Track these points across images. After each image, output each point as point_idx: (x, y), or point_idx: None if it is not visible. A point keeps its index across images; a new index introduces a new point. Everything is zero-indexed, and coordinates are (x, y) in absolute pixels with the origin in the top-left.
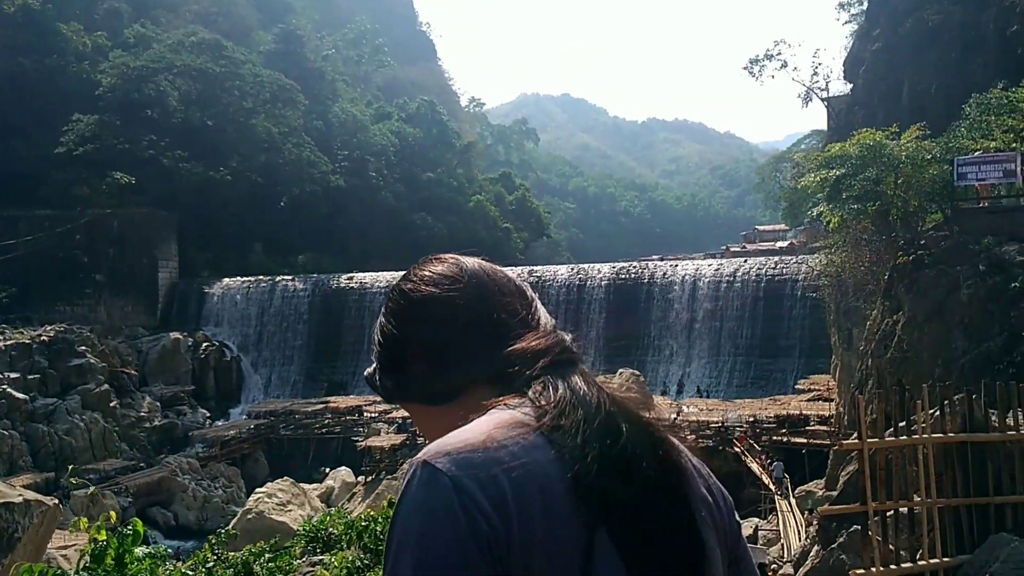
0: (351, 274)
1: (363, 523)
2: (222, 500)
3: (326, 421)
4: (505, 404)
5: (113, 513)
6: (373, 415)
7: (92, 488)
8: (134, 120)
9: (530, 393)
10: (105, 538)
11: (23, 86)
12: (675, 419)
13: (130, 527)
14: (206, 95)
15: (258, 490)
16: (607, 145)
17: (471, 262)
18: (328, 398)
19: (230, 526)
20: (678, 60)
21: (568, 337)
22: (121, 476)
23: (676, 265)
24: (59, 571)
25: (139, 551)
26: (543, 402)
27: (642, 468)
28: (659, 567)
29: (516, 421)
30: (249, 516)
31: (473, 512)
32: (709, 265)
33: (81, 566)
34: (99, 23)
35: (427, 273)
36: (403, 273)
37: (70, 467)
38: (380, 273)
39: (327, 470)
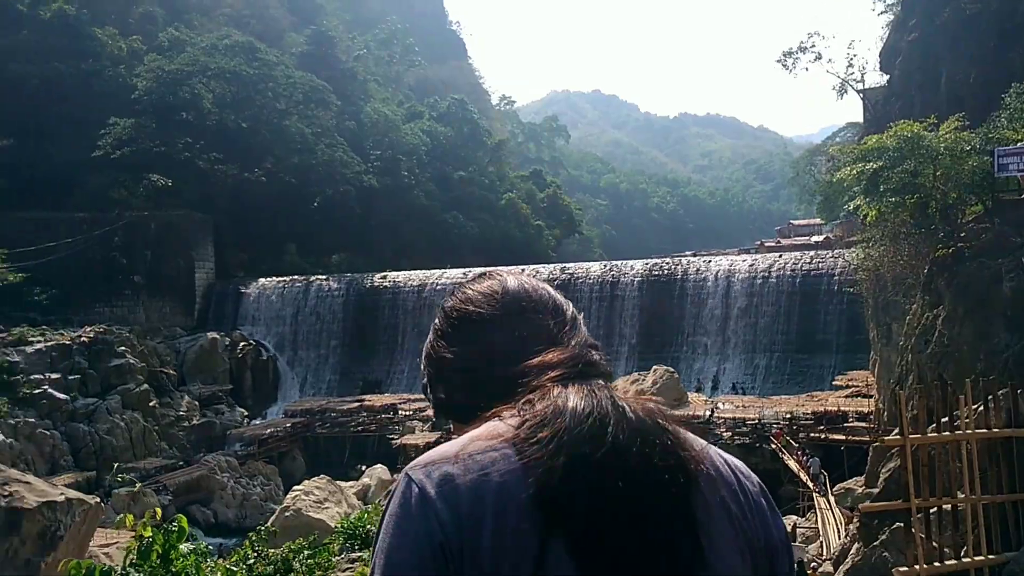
0: (384, 273)
1: None
2: (260, 498)
3: (361, 419)
4: (499, 416)
5: (158, 510)
6: (408, 413)
7: (138, 485)
8: (170, 123)
9: (520, 403)
10: (151, 534)
11: (60, 91)
12: (710, 416)
13: (175, 524)
14: (240, 97)
15: (296, 488)
16: (638, 141)
17: (513, 280)
18: (363, 396)
19: (269, 523)
20: (710, 54)
21: (597, 355)
22: (161, 475)
23: (710, 261)
24: (105, 568)
25: (184, 547)
26: (527, 412)
27: (622, 477)
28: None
29: (495, 432)
30: (287, 514)
31: (432, 520)
32: (743, 260)
33: (128, 562)
34: (133, 27)
35: (469, 291)
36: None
37: (115, 465)
38: (413, 272)
39: (363, 467)
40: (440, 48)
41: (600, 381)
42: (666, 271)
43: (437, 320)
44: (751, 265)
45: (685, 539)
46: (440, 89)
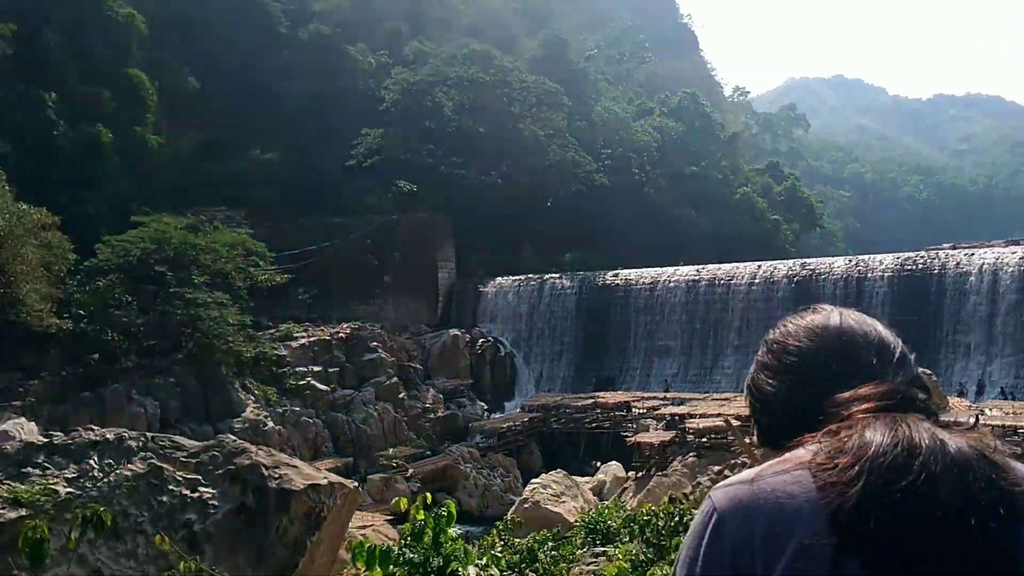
0: (616, 271)
1: (645, 517)
2: (500, 489)
3: (595, 416)
4: (803, 444)
5: (429, 495)
6: (641, 411)
7: (410, 470)
8: (414, 131)
9: (823, 432)
10: (423, 518)
11: (318, 106)
12: (974, 424)
13: (444, 509)
14: (477, 104)
15: (534, 481)
16: (886, 127)
17: (837, 315)
18: (596, 393)
19: (509, 514)
20: (968, 29)
21: (921, 394)
22: (410, 463)
23: (972, 253)
24: (385, 547)
25: (452, 532)
26: (828, 440)
27: (930, 509)
28: None
29: (794, 458)
30: (526, 505)
31: (724, 539)
32: (1013, 253)
33: (403, 543)
34: (381, 43)
35: (791, 324)
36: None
37: (391, 450)
38: (644, 270)
39: (598, 464)
40: (671, 43)
41: (918, 416)
42: (920, 265)
43: (760, 352)
44: (1023, 257)
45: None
46: (671, 84)
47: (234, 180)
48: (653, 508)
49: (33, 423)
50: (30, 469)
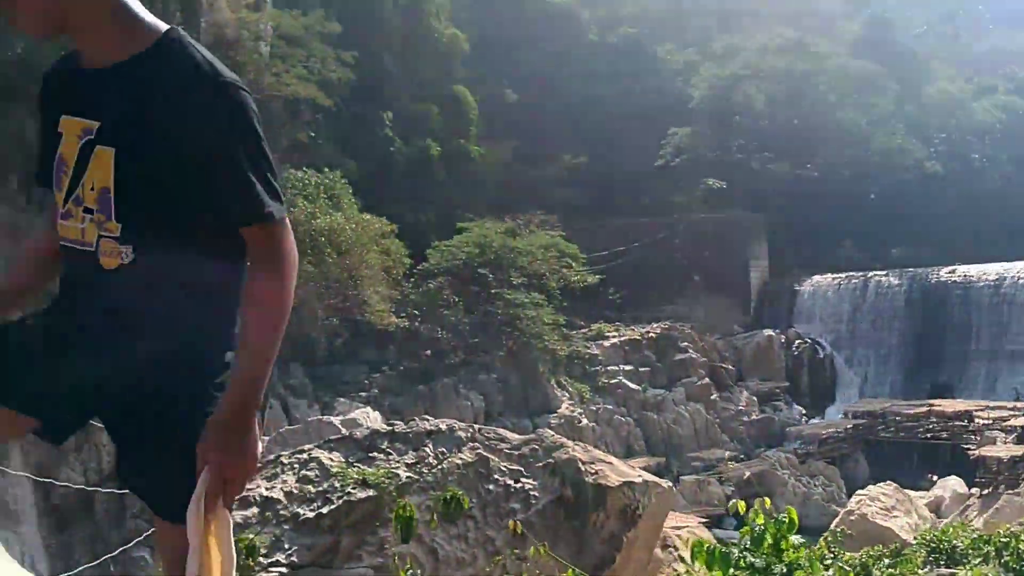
0: (953, 267)
1: (1002, 539)
2: (822, 499)
3: (930, 425)
4: None
5: (767, 500)
6: (986, 422)
7: (746, 472)
8: (723, 128)
9: None
10: (763, 522)
11: (627, 108)
12: None
13: (784, 515)
14: (790, 95)
15: (859, 492)
16: None
17: None
18: (931, 400)
19: (832, 525)
20: None
21: None
22: (723, 465)
23: None
24: (726, 549)
25: (794, 539)
26: None
27: None
28: None
29: None
30: (851, 518)
31: None
32: None
33: (742, 547)
34: (690, 40)
35: None
36: None
37: (725, 455)
38: (988, 265)
39: (934, 478)
40: (1016, 12)
41: None
42: None
43: None
44: None
45: None
46: (1017, 58)
47: (547, 184)
48: (1012, 529)
49: (377, 412)
50: (375, 454)
